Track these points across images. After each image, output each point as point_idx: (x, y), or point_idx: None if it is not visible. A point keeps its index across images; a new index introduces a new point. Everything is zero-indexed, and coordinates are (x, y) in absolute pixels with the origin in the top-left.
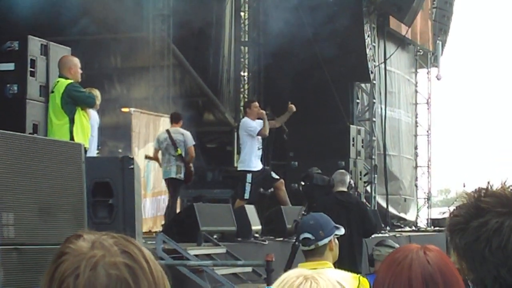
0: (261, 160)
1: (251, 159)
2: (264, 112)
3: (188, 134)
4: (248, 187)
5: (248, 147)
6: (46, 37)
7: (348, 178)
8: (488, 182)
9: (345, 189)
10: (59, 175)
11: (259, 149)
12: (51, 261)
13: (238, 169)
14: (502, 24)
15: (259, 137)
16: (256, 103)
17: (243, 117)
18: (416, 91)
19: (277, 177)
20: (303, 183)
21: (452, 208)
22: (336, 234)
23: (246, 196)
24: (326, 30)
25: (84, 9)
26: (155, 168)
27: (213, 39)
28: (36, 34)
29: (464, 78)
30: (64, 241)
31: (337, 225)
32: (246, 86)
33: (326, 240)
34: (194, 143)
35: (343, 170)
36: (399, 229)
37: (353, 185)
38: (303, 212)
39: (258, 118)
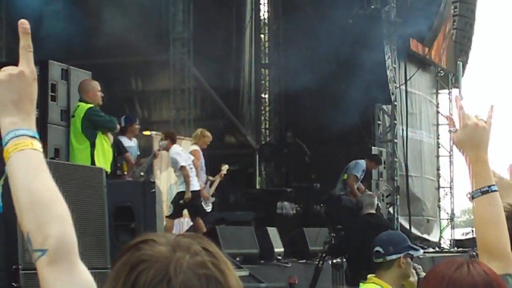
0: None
1: None
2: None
3: None
4: None
5: None
6: (66, 62)
7: (376, 200)
8: None
9: (374, 211)
10: (80, 200)
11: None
12: (121, 271)
13: None
14: None
15: None
16: None
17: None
18: (437, 112)
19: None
20: (326, 205)
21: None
22: (409, 254)
23: None
24: (347, 51)
25: (105, 32)
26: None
27: (234, 61)
28: (57, 58)
29: (485, 98)
30: (130, 248)
31: (414, 246)
32: (267, 108)
33: (394, 256)
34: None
35: (371, 193)
36: (423, 250)
37: (380, 207)
38: (332, 234)
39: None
